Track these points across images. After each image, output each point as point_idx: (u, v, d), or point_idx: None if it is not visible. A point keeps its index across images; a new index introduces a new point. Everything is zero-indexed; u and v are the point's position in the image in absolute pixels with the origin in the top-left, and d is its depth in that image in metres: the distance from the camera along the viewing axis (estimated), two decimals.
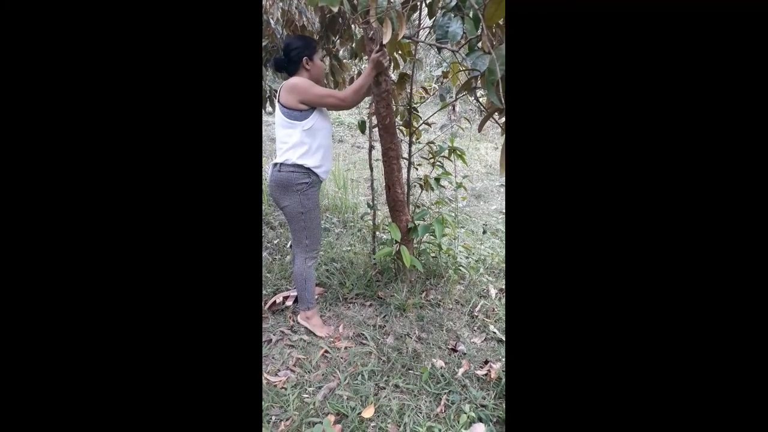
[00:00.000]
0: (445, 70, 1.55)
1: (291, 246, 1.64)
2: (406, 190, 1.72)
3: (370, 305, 1.65)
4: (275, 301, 1.63)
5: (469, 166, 4.25)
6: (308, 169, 1.39)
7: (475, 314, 1.59)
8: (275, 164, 1.42)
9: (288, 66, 1.40)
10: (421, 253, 1.87)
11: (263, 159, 3.53)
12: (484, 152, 4.93)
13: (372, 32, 1.32)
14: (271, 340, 1.44)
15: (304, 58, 1.38)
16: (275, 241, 2.27)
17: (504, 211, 3.19)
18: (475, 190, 3.61)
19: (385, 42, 0.92)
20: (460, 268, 1.87)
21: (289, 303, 1.65)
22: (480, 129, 0.91)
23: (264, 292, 1.75)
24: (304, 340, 1.43)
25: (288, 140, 1.38)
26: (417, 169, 1.84)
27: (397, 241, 1.64)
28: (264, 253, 2.13)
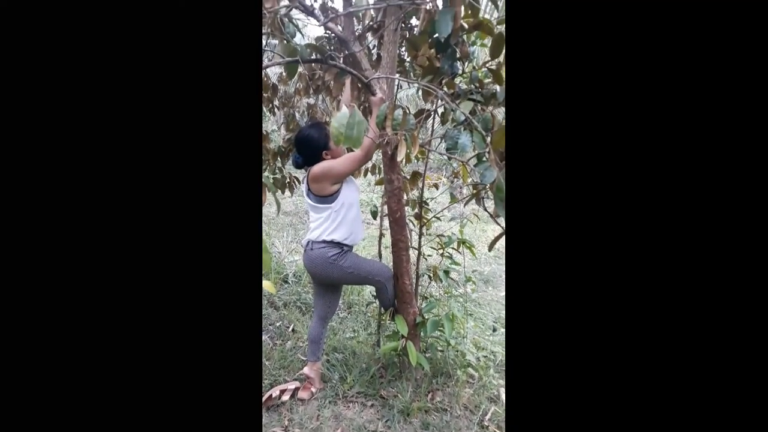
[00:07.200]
0: (455, 171, 1.64)
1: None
2: (414, 281, 1.70)
3: (372, 405, 1.53)
4: (271, 395, 1.53)
5: (477, 249, 4.24)
6: (337, 242, 1.44)
7: (485, 424, 1.46)
8: (307, 242, 1.48)
9: (307, 161, 1.48)
10: (428, 348, 1.78)
11: (272, 236, 3.60)
12: (491, 235, 4.96)
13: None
14: None
15: (323, 152, 1.45)
16: (278, 324, 2.19)
17: None
18: (483, 274, 3.56)
19: (399, 159, 0.99)
20: (469, 367, 1.77)
21: (285, 398, 1.54)
22: (490, 249, 0.93)
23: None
24: None
25: (319, 220, 1.45)
26: (426, 259, 1.84)
27: (403, 336, 1.58)
28: (264, 337, 2.05)
